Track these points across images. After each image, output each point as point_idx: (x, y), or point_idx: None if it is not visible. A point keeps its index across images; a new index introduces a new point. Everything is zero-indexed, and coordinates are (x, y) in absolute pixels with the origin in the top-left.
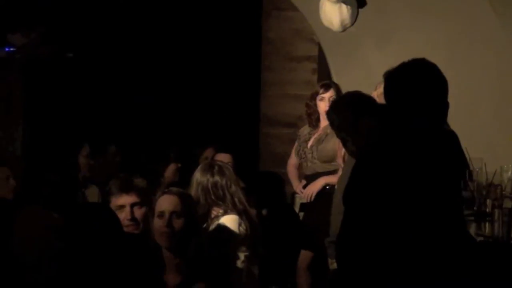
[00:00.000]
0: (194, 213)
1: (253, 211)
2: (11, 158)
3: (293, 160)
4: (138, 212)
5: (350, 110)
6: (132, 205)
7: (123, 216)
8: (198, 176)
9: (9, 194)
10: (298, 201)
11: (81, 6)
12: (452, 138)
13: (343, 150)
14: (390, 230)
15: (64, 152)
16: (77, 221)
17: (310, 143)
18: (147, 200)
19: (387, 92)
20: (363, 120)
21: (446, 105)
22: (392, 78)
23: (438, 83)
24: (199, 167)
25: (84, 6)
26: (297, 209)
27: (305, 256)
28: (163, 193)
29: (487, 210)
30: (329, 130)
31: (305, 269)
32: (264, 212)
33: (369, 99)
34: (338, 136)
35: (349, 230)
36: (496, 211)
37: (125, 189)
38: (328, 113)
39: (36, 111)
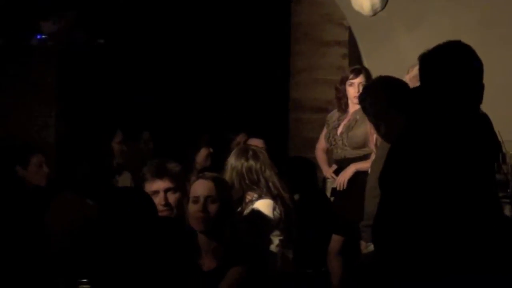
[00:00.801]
0: (228, 197)
1: (287, 196)
2: (44, 145)
3: (321, 145)
4: (172, 197)
5: (383, 94)
6: (166, 190)
7: (157, 201)
8: (232, 160)
9: (42, 181)
10: (329, 186)
11: None
12: (486, 121)
13: (375, 135)
14: (427, 213)
15: (97, 138)
16: (113, 206)
17: (340, 130)
18: (181, 185)
19: (422, 75)
20: (397, 104)
21: (481, 87)
22: (427, 60)
23: (474, 65)
24: (233, 152)
25: None
26: (328, 194)
27: (336, 240)
28: (198, 178)
29: None
30: (359, 115)
31: (337, 254)
32: (296, 197)
33: (402, 84)
34: (370, 120)
35: (386, 213)
36: None
37: (159, 174)
38: (361, 98)
39: (69, 98)
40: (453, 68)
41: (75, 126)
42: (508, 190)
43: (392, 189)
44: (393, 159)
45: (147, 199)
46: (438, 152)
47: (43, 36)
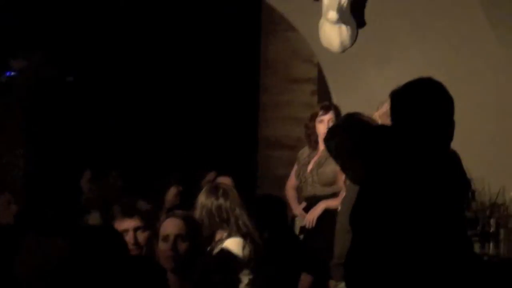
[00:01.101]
0: (199, 236)
1: (257, 234)
2: (13, 184)
3: (292, 182)
4: (142, 236)
5: (347, 136)
6: (135, 229)
7: (127, 240)
8: (202, 199)
9: (10, 220)
10: (298, 224)
11: (80, 30)
12: (455, 159)
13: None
14: (399, 251)
15: (66, 177)
16: (83, 244)
17: (310, 167)
18: (150, 223)
19: (393, 111)
20: (362, 147)
21: (452, 124)
22: (399, 97)
23: (445, 102)
24: (203, 190)
25: (83, 30)
26: (297, 232)
27: (305, 279)
28: (168, 216)
29: (491, 230)
30: None
31: None
32: (265, 235)
33: (367, 122)
34: (336, 162)
35: (358, 251)
36: (502, 230)
37: (128, 213)
38: (325, 140)
39: (38, 136)
40: (424, 105)
41: (43, 165)
42: (478, 228)
43: (363, 228)
44: (363, 198)
45: (118, 237)
46: (407, 190)
47: (12, 73)
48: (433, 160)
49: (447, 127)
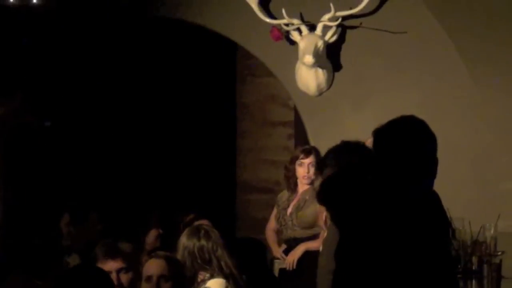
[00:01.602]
0: (181, 276)
1: (239, 275)
2: None
3: (271, 225)
4: (125, 277)
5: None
6: (118, 271)
7: None
8: (184, 240)
9: None
10: (277, 267)
11: (58, 74)
12: (435, 198)
13: (325, 213)
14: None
15: (45, 220)
16: (67, 284)
17: (289, 210)
18: (133, 264)
19: (376, 149)
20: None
21: (436, 161)
22: (382, 134)
23: (428, 139)
24: (185, 231)
25: (60, 74)
26: (276, 274)
27: None
28: (150, 257)
29: (473, 267)
30: (308, 195)
31: None
32: (244, 278)
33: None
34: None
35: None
36: (485, 266)
37: (111, 254)
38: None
39: (16, 180)
40: (407, 142)
41: (22, 208)
42: (460, 266)
43: (347, 266)
44: (346, 237)
45: (106, 276)
46: (390, 230)
47: None
48: (415, 199)
49: (431, 165)
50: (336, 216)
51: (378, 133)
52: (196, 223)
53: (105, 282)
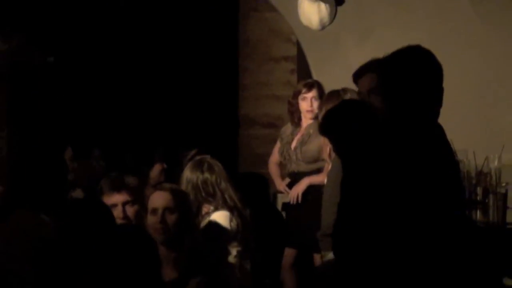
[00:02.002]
0: (187, 207)
1: (243, 207)
2: None
3: (274, 158)
4: (130, 210)
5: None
6: (124, 204)
7: (115, 214)
8: (187, 173)
9: None
10: (280, 200)
11: (61, 10)
12: (440, 131)
13: (329, 146)
14: (388, 220)
15: (50, 155)
16: (71, 217)
17: (293, 145)
18: (138, 197)
19: (381, 80)
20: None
21: (441, 91)
22: (388, 64)
23: (435, 68)
24: (188, 165)
25: (64, 10)
26: (279, 208)
27: (289, 254)
28: (155, 189)
29: (478, 198)
30: (312, 129)
31: (290, 267)
32: (247, 211)
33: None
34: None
35: (346, 220)
36: (491, 196)
37: (117, 187)
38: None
39: (20, 116)
40: (414, 71)
41: (27, 144)
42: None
43: (353, 197)
44: (349, 169)
45: (106, 209)
46: (394, 160)
47: None
48: (421, 130)
49: (437, 93)
50: (338, 148)
51: (384, 63)
52: (200, 156)
53: (105, 216)
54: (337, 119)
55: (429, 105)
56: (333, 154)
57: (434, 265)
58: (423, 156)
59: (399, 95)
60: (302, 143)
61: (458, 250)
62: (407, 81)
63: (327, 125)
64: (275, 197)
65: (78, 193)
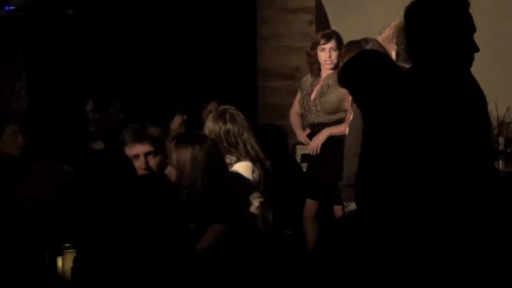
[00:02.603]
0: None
1: (265, 158)
2: (16, 115)
3: (295, 109)
4: (153, 161)
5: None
6: (146, 154)
7: (138, 165)
8: (210, 124)
9: (16, 151)
10: (299, 152)
11: None
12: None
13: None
14: (414, 170)
15: (70, 106)
16: (92, 167)
17: (313, 96)
18: (160, 148)
19: (408, 26)
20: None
21: (473, 31)
22: (416, 11)
23: (464, 8)
24: (211, 115)
25: None
26: (298, 160)
27: (311, 205)
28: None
29: (500, 148)
30: (331, 80)
31: (312, 218)
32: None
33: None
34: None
35: (370, 170)
36: None
37: (139, 138)
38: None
39: (39, 68)
40: (444, 15)
41: (46, 96)
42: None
43: (375, 146)
44: (373, 118)
45: (126, 159)
46: (425, 108)
47: (12, 8)
48: (453, 77)
49: (468, 40)
50: (358, 99)
51: (411, 9)
52: (222, 107)
53: (125, 166)
54: (355, 70)
55: (460, 52)
56: (354, 104)
57: (458, 215)
58: (449, 106)
59: (425, 40)
60: (322, 94)
61: (483, 200)
62: (434, 24)
63: (346, 76)
64: (294, 149)
65: (99, 145)
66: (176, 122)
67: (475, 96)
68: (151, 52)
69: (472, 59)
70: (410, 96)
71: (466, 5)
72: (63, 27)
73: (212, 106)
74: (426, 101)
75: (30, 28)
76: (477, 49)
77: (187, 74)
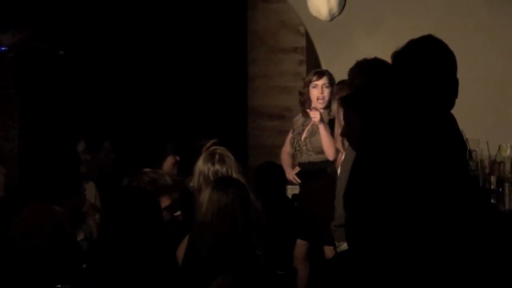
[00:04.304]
0: None
1: (255, 198)
2: (8, 157)
3: (287, 148)
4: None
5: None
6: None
7: None
8: (200, 165)
9: (1, 192)
10: (290, 192)
11: (72, 2)
12: (452, 120)
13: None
14: (402, 211)
15: (62, 147)
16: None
17: (303, 135)
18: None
19: (396, 70)
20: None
21: (456, 82)
22: (400, 55)
23: (448, 58)
24: (201, 156)
25: (75, 2)
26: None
27: (301, 245)
28: None
29: (492, 187)
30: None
31: (303, 258)
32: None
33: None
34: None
35: (359, 211)
36: (506, 185)
37: None
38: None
39: (32, 109)
40: (427, 60)
41: (38, 138)
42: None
43: (367, 188)
44: (363, 158)
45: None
46: (409, 149)
47: (3, 48)
48: (433, 119)
49: (453, 84)
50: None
51: (397, 55)
52: (212, 148)
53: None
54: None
55: (443, 95)
56: (346, 144)
57: (451, 255)
58: (433, 146)
59: (412, 86)
60: (312, 133)
61: (478, 238)
62: (421, 71)
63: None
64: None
65: (90, 185)
66: (168, 163)
67: (454, 138)
68: (142, 92)
69: (453, 103)
70: (395, 138)
71: (450, 51)
72: (55, 67)
73: (210, 144)
74: (407, 143)
75: (22, 69)
76: (456, 95)
77: (178, 114)
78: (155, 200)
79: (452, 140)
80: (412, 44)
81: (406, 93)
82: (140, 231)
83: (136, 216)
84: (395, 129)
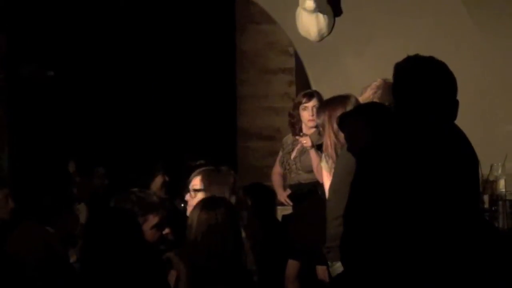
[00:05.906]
0: None
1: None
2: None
3: (277, 169)
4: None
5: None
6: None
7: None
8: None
9: (6, 215)
10: (280, 213)
11: (60, 23)
12: (460, 133)
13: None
14: (403, 225)
15: (52, 170)
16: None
17: (293, 154)
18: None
19: (396, 89)
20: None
21: (456, 103)
22: (403, 73)
23: (449, 79)
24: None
25: (63, 23)
26: (279, 220)
27: (292, 266)
28: None
29: (485, 206)
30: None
31: (294, 279)
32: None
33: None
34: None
35: (355, 232)
36: (500, 203)
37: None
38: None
39: (22, 132)
40: (429, 81)
41: (28, 161)
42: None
43: (364, 204)
44: (364, 174)
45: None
46: (411, 164)
47: None
48: (436, 134)
49: (450, 104)
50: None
51: (399, 71)
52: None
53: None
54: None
55: (444, 117)
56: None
57: (449, 274)
58: (440, 159)
59: (411, 102)
60: (302, 152)
61: (477, 257)
62: (420, 90)
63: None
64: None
65: (82, 206)
66: (157, 183)
67: (464, 148)
68: (132, 112)
69: (455, 113)
70: (398, 151)
71: (449, 71)
72: (45, 89)
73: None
74: (411, 157)
75: (11, 90)
76: (455, 117)
77: (167, 135)
78: (133, 219)
79: (457, 153)
80: (414, 63)
81: (408, 112)
82: (117, 251)
83: (112, 237)
84: (400, 142)
